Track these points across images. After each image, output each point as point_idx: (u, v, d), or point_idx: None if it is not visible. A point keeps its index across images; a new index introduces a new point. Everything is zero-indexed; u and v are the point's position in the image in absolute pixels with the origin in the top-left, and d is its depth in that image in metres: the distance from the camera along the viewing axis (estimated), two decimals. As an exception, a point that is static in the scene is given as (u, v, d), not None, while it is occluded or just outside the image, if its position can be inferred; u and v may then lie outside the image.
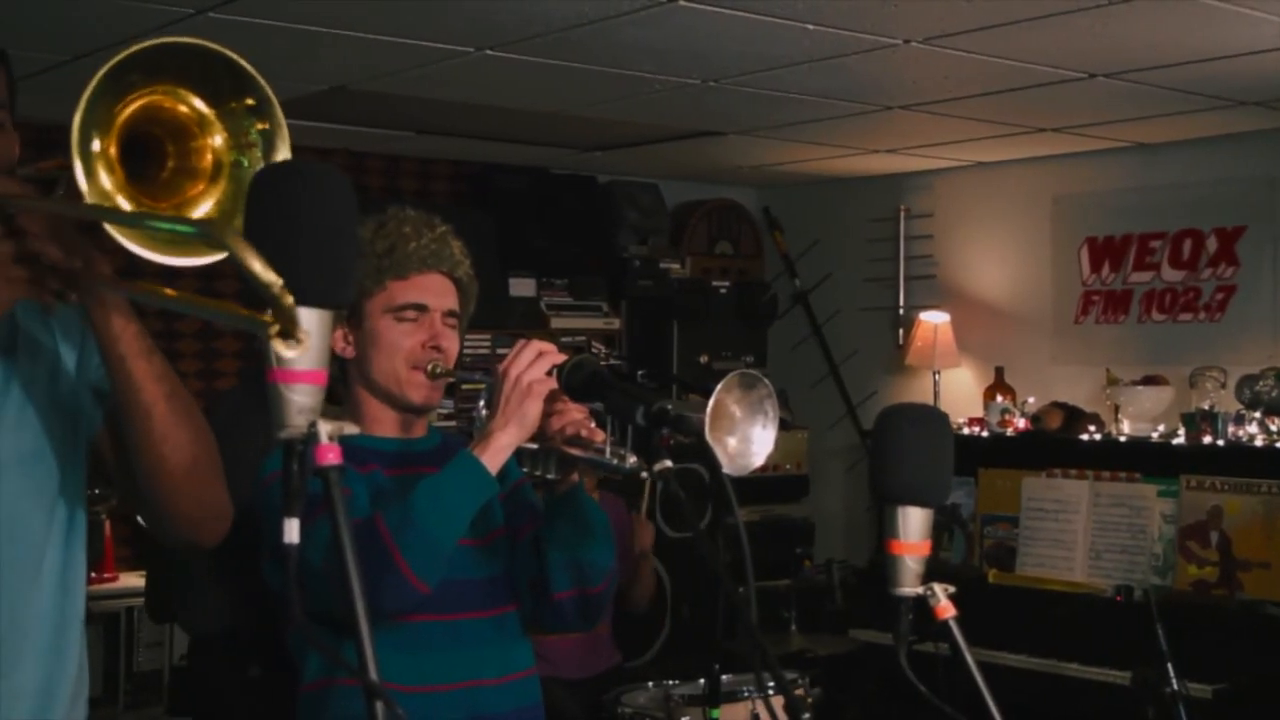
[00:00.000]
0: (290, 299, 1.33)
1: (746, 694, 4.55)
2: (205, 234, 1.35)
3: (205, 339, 6.57)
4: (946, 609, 2.15)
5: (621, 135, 6.45)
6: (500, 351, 6.96)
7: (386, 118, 6.05)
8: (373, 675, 1.51)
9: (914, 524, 2.15)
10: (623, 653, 5.58)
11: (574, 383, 2.38)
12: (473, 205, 7.21)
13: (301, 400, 1.55)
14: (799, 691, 4.72)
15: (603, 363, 4.57)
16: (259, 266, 1.32)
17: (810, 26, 4.36)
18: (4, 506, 2.07)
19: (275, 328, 1.37)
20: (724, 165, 7.46)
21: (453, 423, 6.59)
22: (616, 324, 7.61)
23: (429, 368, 2.70)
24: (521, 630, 2.78)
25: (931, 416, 2.18)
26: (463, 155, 7.17)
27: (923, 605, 2.16)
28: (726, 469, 2.19)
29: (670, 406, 2.09)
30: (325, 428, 1.53)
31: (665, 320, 7.67)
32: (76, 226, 1.89)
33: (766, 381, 2.31)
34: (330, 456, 1.53)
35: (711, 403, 2.18)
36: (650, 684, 4.92)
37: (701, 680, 4.80)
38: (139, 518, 2.19)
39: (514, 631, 2.76)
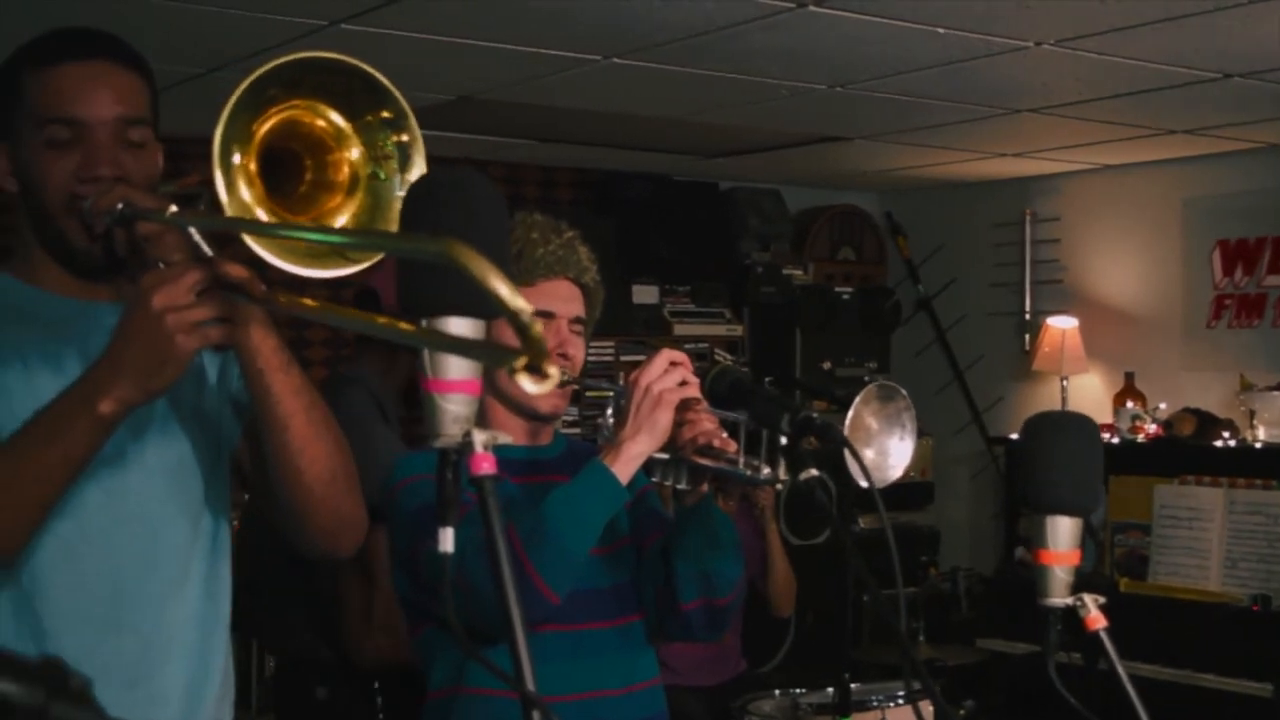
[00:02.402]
0: (539, 329, 1.23)
1: (876, 703, 4.51)
2: (442, 254, 1.23)
3: (334, 346, 6.63)
4: (1097, 620, 2.13)
5: (746, 141, 6.43)
6: (624, 359, 6.97)
7: (510, 126, 6.08)
8: (529, 685, 1.50)
9: (1063, 534, 2.12)
10: (748, 661, 5.56)
11: (717, 390, 2.37)
12: (595, 212, 7.22)
13: (456, 409, 1.55)
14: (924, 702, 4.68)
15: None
16: (506, 291, 1.20)
17: (941, 30, 4.32)
18: (152, 515, 2.12)
19: (523, 361, 1.26)
20: (847, 170, 7.41)
21: (576, 430, 6.60)
22: (739, 330, 7.58)
23: None
24: (646, 640, 2.76)
25: (1082, 425, 2.15)
26: (585, 162, 7.19)
27: (1072, 616, 2.14)
28: (863, 482, 2.17)
29: (816, 414, 2.07)
30: (480, 437, 1.53)
31: (788, 326, 7.62)
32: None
33: (904, 393, 2.28)
34: (485, 466, 1.53)
35: (850, 415, 2.16)
36: (776, 692, 4.89)
37: (829, 689, 4.77)
38: (277, 528, 2.21)
39: (638, 641, 2.74)
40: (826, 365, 7.68)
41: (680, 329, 7.33)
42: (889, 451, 2.25)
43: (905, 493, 7.58)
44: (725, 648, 5.30)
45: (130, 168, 2.03)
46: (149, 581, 2.11)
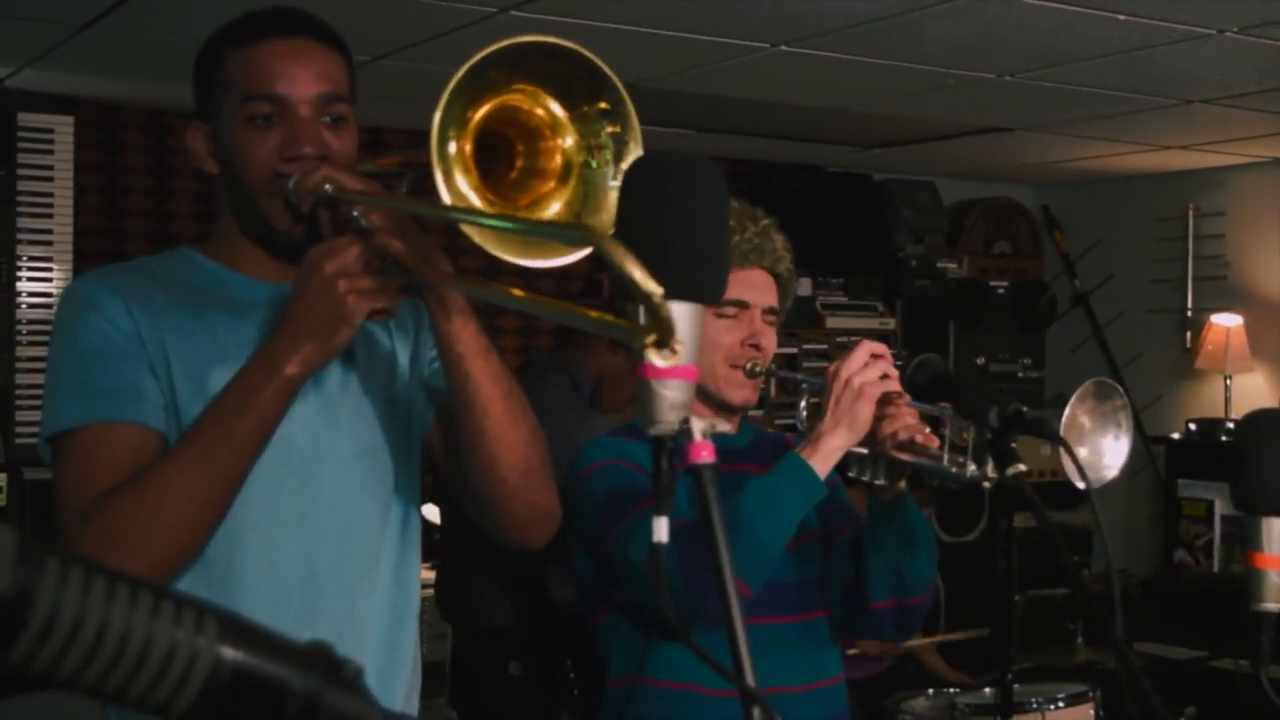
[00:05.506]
0: (668, 310, 1.27)
1: (1035, 705, 4.44)
2: (582, 238, 1.25)
3: (526, 335, 6.63)
4: (1310, 625, 2.04)
5: (905, 132, 6.35)
6: (775, 352, 6.91)
7: (671, 116, 6.05)
8: (749, 680, 1.46)
9: (1279, 536, 2.04)
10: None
11: (919, 382, 2.30)
12: (748, 204, 7.15)
13: (674, 396, 1.51)
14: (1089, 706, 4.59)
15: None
16: (638, 274, 1.25)
17: (1121, 17, 4.21)
18: (343, 503, 2.09)
19: (651, 336, 1.29)
20: (1004, 163, 7.28)
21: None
22: (892, 324, 7.50)
23: (748, 366, 2.61)
24: (831, 637, 2.70)
25: (1302, 424, 2.06)
26: (740, 153, 7.13)
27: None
28: (1079, 482, 2.10)
29: (1026, 409, 2.00)
30: (698, 424, 1.49)
31: (942, 320, 7.53)
32: (415, 223, 1.90)
33: (1121, 391, 2.21)
34: (704, 454, 1.49)
35: (1065, 413, 2.09)
36: (930, 690, 4.83)
37: (986, 689, 4.70)
38: (472, 518, 2.18)
39: (823, 638, 2.68)
40: (980, 360, 7.58)
41: (832, 322, 7.26)
42: (1103, 451, 2.18)
43: (1058, 491, 7.39)
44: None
45: (333, 146, 2.00)
46: (341, 570, 2.08)
